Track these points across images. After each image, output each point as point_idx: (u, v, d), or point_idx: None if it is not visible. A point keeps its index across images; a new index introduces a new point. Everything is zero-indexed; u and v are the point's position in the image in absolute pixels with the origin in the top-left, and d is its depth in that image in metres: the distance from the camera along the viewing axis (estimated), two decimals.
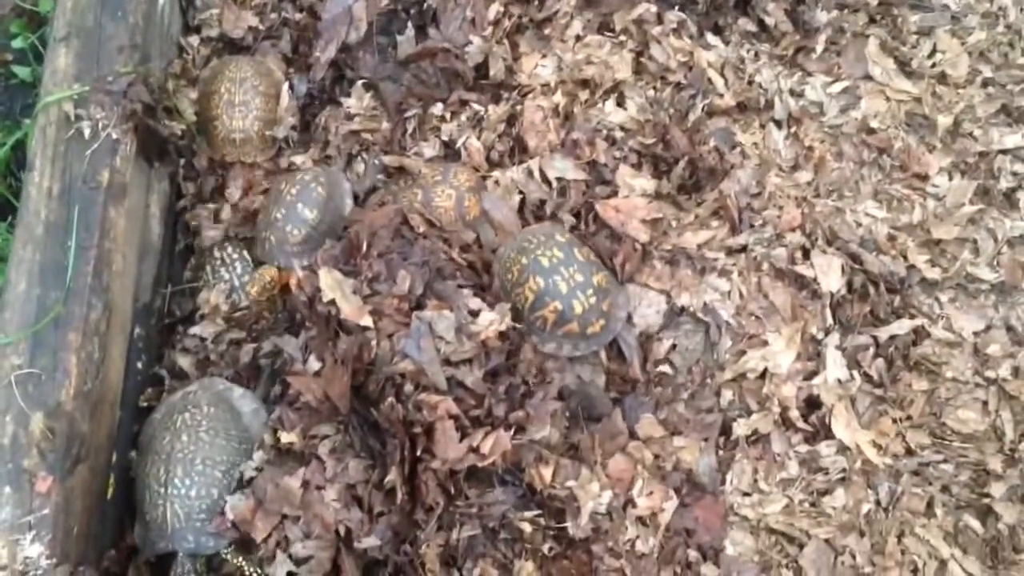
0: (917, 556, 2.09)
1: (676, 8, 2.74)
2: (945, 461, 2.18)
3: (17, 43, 2.88)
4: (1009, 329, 2.32)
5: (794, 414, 2.21)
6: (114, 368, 2.20)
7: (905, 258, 2.38)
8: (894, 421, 2.21)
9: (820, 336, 2.29)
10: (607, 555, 2.04)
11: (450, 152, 2.65)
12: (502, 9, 2.76)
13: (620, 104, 2.62)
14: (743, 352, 2.26)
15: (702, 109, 2.59)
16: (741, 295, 2.34)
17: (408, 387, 2.09)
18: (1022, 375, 2.25)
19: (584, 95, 2.64)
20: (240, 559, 2.03)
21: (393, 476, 2.02)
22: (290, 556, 1.99)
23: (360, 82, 2.75)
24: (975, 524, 2.13)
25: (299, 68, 2.80)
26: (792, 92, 2.65)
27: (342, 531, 2.00)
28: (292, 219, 2.40)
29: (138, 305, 2.36)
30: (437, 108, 2.70)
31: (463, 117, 2.67)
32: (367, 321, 2.14)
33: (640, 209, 2.42)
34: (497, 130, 2.62)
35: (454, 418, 2.05)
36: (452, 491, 2.03)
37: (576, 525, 2.04)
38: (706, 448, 2.18)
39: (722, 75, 2.65)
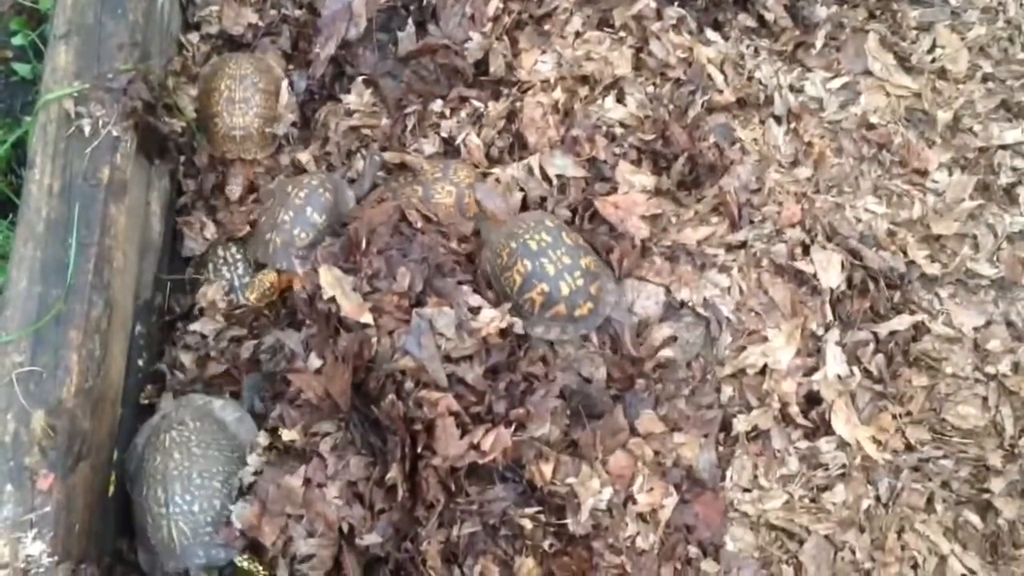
0: (917, 552, 2.09)
1: (675, 4, 2.75)
2: (945, 457, 2.18)
3: (17, 40, 2.88)
4: (1009, 325, 2.32)
5: (794, 410, 2.21)
6: (115, 365, 2.21)
7: (905, 254, 2.38)
8: (894, 417, 2.21)
9: (820, 332, 2.29)
10: (607, 551, 2.04)
11: (450, 149, 2.65)
12: (501, 5, 2.76)
13: (620, 100, 2.62)
14: (743, 348, 2.26)
15: (702, 105, 2.59)
16: (741, 291, 2.34)
17: (409, 384, 2.10)
18: (1022, 371, 2.25)
19: (584, 91, 2.64)
20: (257, 563, 2.03)
21: (394, 473, 2.02)
22: (294, 556, 2.00)
23: (360, 78, 2.76)
24: (975, 520, 2.13)
25: (299, 65, 2.81)
26: (792, 88, 2.65)
27: (344, 528, 2.01)
28: (301, 222, 2.39)
29: (139, 302, 2.36)
30: (437, 105, 2.70)
31: (463, 114, 2.67)
32: (367, 318, 2.15)
33: (640, 205, 2.42)
34: (497, 127, 2.62)
35: (455, 415, 2.05)
36: (453, 488, 2.04)
37: (576, 522, 2.04)
38: (706, 444, 2.18)
39: (722, 71, 2.65)
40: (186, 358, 2.40)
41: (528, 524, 2.04)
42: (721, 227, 2.42)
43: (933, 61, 2.67)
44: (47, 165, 2.23)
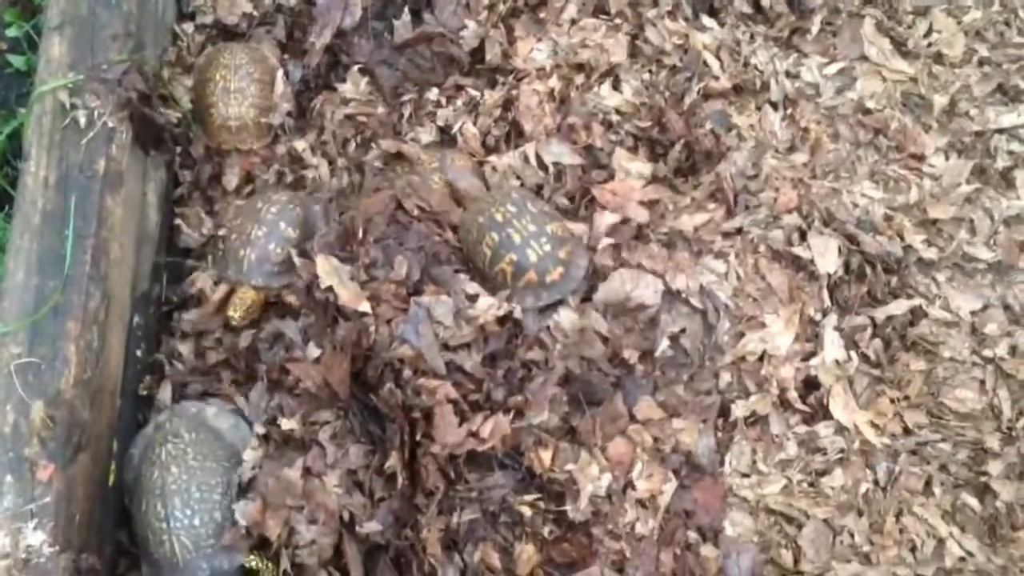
0: (915, 535, 2.10)
1: None
2: (943, 440, 2.19)
3: (11, 32, 2.87)
4: (1006, 308, 2.32)
5: (792, 395, 2.21)
6: (113, 356, 2.21)
7: (902, 238, 2.38)
8: (892, 401, 2.22)
9: (818, 317, 2.29)
10: (607, 537, 2.05)
11: (446, 137, 2.64)
12: None
13: (616, 88, 2.61)
14: (742, 334, 2.26)
15: (698, 92, 2.58)
16: (738, 277, 2.34)
17: (407, 372, 2.10)
18: (1019, 354, 2.26)
19: (580, 79, 2.63)
20: (266, 563, 2.04)
21: (393, 461, 2.03)
22: (296, 545, 2.00)
23: (356, 67, 2.74)
24: (973, 502, 2.13)
25: (294, 54, 2.79)
26: (788, 74, 2.64)
27: (345, 517, 2.01)
28: (276, 237, 2.37)
29: (136, 293, 2.36)
30: (433, 93, 2.69)
31: (459, 102, 2.67)
32: (365, 307, 2.15)
33: (637, 192, 2.42)
34: (493, 115, 2.61)
35: (453, 403, 2.06)
36: (452, 475, 2.04)
37: (576, 508, 2.05)
38: (705, 430, 2.19)
39: (718, 57, 2.65)
40: (184, 348, 2.40)
41: (527, 511, 2.05)
42: (718, 213, 2.42)
43: (929, 46, 2.66)
44: (43, 157, 2.22)
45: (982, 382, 2.25)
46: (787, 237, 2.37)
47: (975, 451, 2.18)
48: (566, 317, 2.23)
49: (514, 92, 2.62)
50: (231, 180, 2.62)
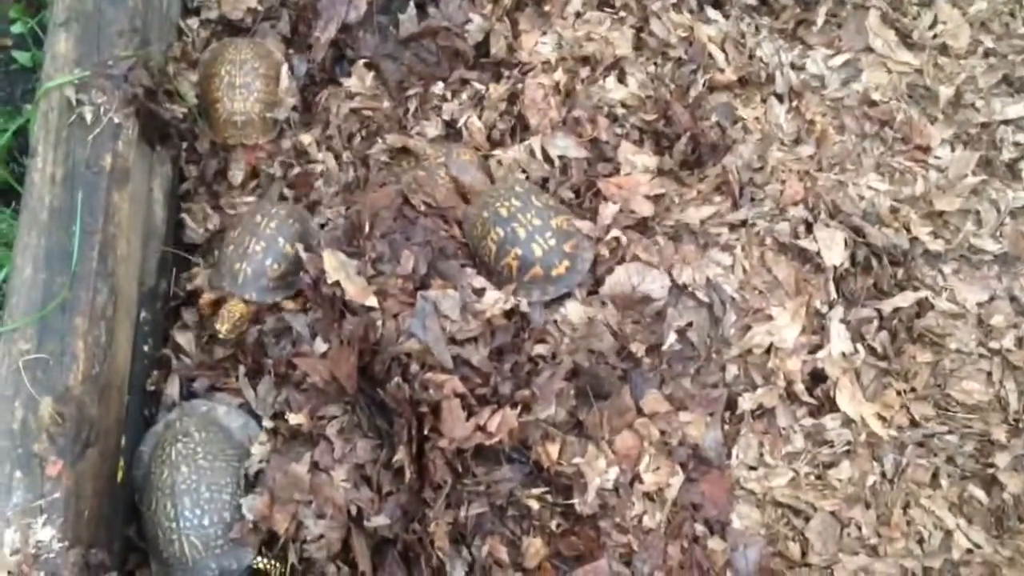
0: (923, 527, 2.11)
1: None
2: (950, 432, 2.19)
3: (16, 28, 2.88)
4: (1013, 300, 2.32)
5: (799, 388, 2.21)
6: (121, 352, 2.21)
7: (908, 230, 2.38)
8: (898, 393, 2.22)
9: (824, 310, 2.29)
10: (614, 531, 2.05)
11: (451, 131, 2.65)
12: None
13: (621, 80, 2.61)
14: (748, 327, 2.26)
15: (703, 84, 2.58)
16: (744, 270, 2.34)
17: (414, 367, 2.11)
18: None
19: (585, 72, 2.63)
20: (274, 564, 2.05)
21: (401, 455, 2.04)
22: (304, 540, 2.01)
23: (361, 62, 2.75)
24: (980, 494, 2.14)
25: (299, 49, 2.79)
26: (793, 66, 2.64)
27: (353, 511, 2.02)
28: (273, 253, 2.36)
29: (143, 289, 2.36)
30: (438, 87, 2.70)
31: (464, 96, 2.67)
32: (372, 302, 2.16)
33: (643, 185, 2.42)
34: (498, 109, 2.62)
35: (461, 397, 2.06)
36: (460, 469, 2.05)
37: (583, 501, 2.05)
38: (712, 423, 2.19)
39: (723, 50, 2.64)
40: (190, 343, 2.40)
41: (535, 504, 2.06)
42: (724, 206, 2.42)
43: (935, 37, 2.66)
44: (49, 153, 2.22)
45: (989, 374, 2.25)
46: (793, 229, 2.37)
47: (982, 443, 2.18)
48: (573, 310, 2.24)
49: (519, 86, 2.62)
50: (236, 175, 2.63)
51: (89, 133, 2.25)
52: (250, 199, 2.60)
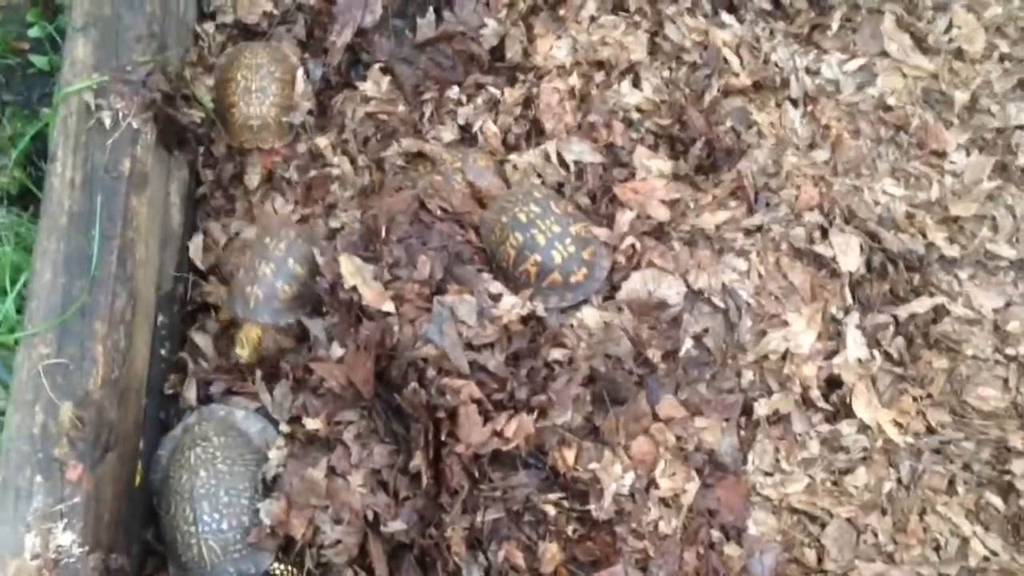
0: (939, 534, 2.10)
1: None
2: (966, 439, 2.18)
3: (34, 32, 2.89)
4: None
5: (815, 394, 2.21)
6: (139, 356, 2.22)
7: (924, 236, 2.38)
8: (915, 399, 2.22)
9: (840, 315, 2.29)
10: (630, 536, 2.06)
11: (467, 136, 2.65)
12: None
13: (636, 85, 2.61)
14: (764, 332, 2.26)
15: (718, 89, 2.58)
16: (760, 275, 2.34)
17: (431, 372, 2.11)
18: None
19: (600, 76, 2.63)
20: (291, 569, 2.05)
21: (418, 461, 2.04)
22: (321, 545, 2.02)
23: (376, 66, 2.75)
24: (997, 501, 2.13)
25: (314, 53, 2.80)
26: (808, 70, 2.64)
27: (369, 516, 2.03)
28: (283, 275, 2.35)
29: (161, 293, 2.38)
30: (453, 91, 2.70)
31: (479, 100, 2.67)
32: (389, 307, 2.16)
33: (658, 190, 2.42)
34: (513, 113, 2.62)
35: (477, 402, 2.06)
36: (476, 475, 2.05)
37: (599, 507, 2.06)
38: (728, 428, 2.19)
39: (737, 54, 2.64)
40: (208, 347, 2.41)
41: (551, 510, 2.06)
42: (739, 211, 2.42)
43: (950, 41, 2.66)
44: (68, 158, 2.23)
45: (1005, 380, 2.24)
46: (808, 235, 2.37)
47: (998, 450, 2.18)
48: (590, 315, 2.24)
49: (534, 90, 2.62)
50: (252, 179, 2.64)
51: (108, 138, 2.26)
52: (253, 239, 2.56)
